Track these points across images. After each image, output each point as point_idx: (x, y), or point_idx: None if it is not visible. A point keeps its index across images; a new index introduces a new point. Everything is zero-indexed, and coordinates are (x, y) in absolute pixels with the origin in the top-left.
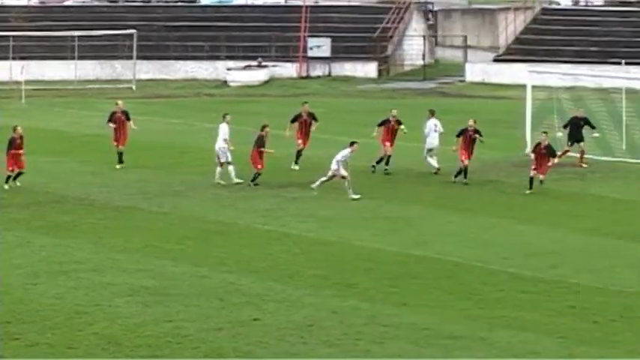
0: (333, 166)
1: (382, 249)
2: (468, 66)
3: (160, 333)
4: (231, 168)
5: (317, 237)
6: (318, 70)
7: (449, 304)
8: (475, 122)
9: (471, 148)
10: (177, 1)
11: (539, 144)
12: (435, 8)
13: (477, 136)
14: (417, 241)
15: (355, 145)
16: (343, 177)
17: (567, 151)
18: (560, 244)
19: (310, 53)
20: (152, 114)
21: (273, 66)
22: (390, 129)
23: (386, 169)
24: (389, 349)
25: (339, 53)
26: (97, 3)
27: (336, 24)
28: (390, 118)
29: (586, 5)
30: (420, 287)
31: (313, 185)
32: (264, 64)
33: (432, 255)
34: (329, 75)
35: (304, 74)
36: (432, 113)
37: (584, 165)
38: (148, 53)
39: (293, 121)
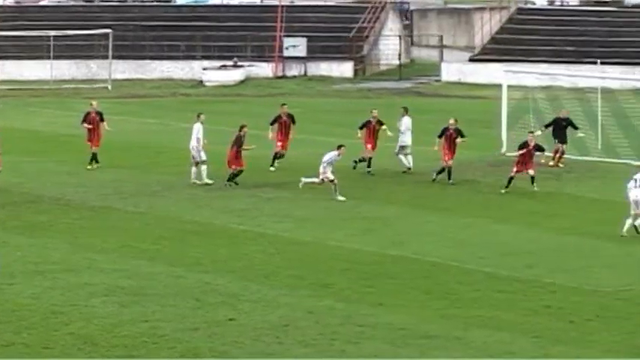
0: (321, 169)
1: (358, 249)
2: (443, 66)
3: (136, 333)
4: (203, 167)
5: (293, 237)
6: (294, 69)
7: (425, 304)
8: (456, 121)
9: (453, 147)
10: (152, 1)
11: (526, 143)
12: (411, 8)
13: (458, 137)
14: (393, 241)
15: (342, 149)
16: (331, 180)
17: (558, 150)
18: (536, 244)
19: (286, 53)
20: (128, 114)
21: (249, 66)
22: (372, 130)
23: (369, 171)
24: (365, 349)
25: (315, 53)
26: (72, 3)
27: (311, 24)
28: (371, 119)
29: (561, 5)
30: (396, 287)
31: (302, 180)
32: (239, 63)
33: (409, 255)
34: (305, 75)
35: (280, 74)
36: (406, 110)
37: (560, 165)
38: (123, 53)
39: (272, 123)
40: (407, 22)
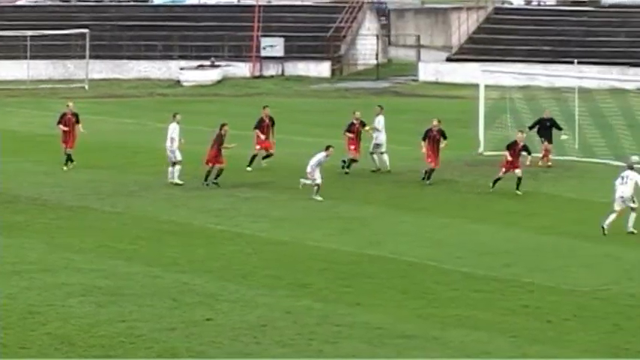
0: (308, 169)
1: (336, 249)
2: (421, 65)
3: (113, 333)
4: (177, 168)
5: (270, 237)
6: (272, 69)
7: (402, 304)
8: (439, 122)
9: (437, 149)
10: (129, 1)
11: (515, 142)
12: (389, 8)
13: (442, 138)
14: (370, 240)
15: (331, 149)
16: (315, 182)
17: (546, 150)
18: (514, 244)
19: (263, 53)
20: (105, 114)
21: (226, 65)
22: (355, 131)
23: (343, 166)
24: (342, 348)
25: (293, 53)
26: (49, 3)
27: (289, 24)
28: (354, 121)
29: (538, 5)
30: (373, 287)
31: (301, 181)
32: (217, 63)
33: (386, 255)
34: (282, 75)
35: (257, 74)
36: (381, 109)
37: (548, 163)
38: (100, 53)
39: (257, 126)
40: (384, 22)
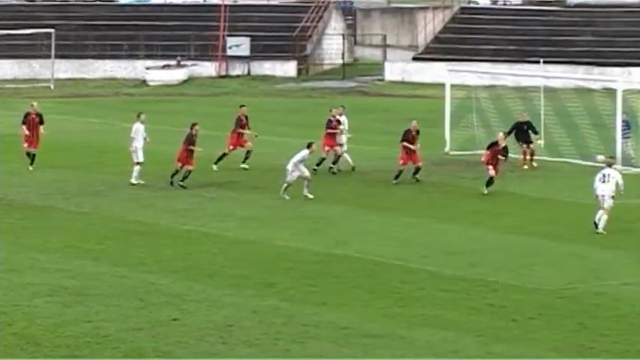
0: (289, 167)
1: (302, 248)
2: (387, 65)
3: (79, 333)
4: (135, 168)
5: (236, 236)
6: (238, 69)
7: (369, 303)
8: (417, 123)
9: (412, 150)
10: (95, 1)
11: (496, 143)
12: (355, 7)
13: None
14: (337, 240)
15: (313, 146)
16: (289, 184)
17: (526, 152)
18: (480, 243)
19: (229, 52)
20: (71, 113)
21: (192, 65)
22: (333, 128)
23: (315, 169)
24: (309, 348)
25: (259, 52)
26: (14, 2)
27: (255, 23)
28: (331, 118)
29: (504, 4)
30: (339, 286)
31: (281, 193)
32: (183, 63)
33: (352, 254)
34: (248, 74)
35: (223, 73)
36: (344, 109)
37: (534, 164)
38: (66, 52)
39: (236, 126)
40: (350, 22)
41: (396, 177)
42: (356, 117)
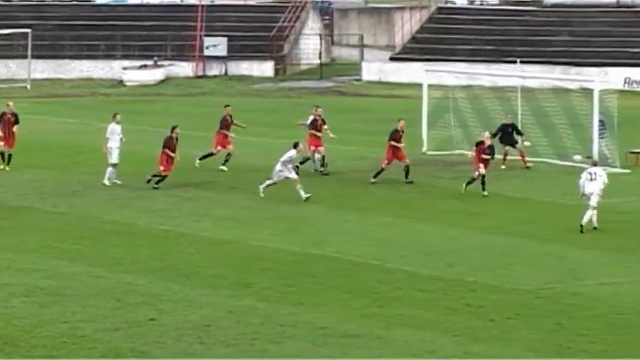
0: (278, 167)
1: (279, 248)
2: (364, 65)
3: (56, 333)
4: (108, 170)
5: (213, 237)
6: (215, 69)
7: (346, 303)
8: (404, 123)
9: (397, 150)
10: (72, 1)
11: (482, 142)
12: (332, 7)
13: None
14: (314, 240)
15: (300, 146)
16: (290, 179)
17: (507, 153)
18: (458, 243)
19: (206, 52)
20: (47, 113)
21: (170, 65)
22: (318, 127)
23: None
24: (286, 348)
25: (236, 52)
26: None
27: (232, 23)
28: (316, 117)
29: (481, 4)
30: (317, 286)
31: (261, 188)
32: (160, 63)
33: (330, 254)
34: (225, 74)
35: (200, 73)
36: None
37: (529, 165)
38: (42, 52)
39: (222, 126)
40: (327, 22)
41: (376, 175)
42: (333, 117)
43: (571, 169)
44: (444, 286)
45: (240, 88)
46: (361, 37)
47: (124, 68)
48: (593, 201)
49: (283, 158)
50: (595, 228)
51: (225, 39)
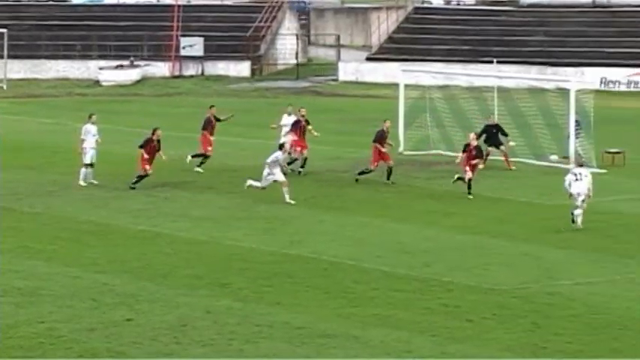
0: (265, 171)
1: (256, 248)
2: (340, 65)
3: (32, 334)
4: (82, 170)
5: (190, 237)
6: (191, 69)
7: (323, 303)
8: (390, 123)
9: (382, 151)
10: (48, 1)
11: (468, 145)
12: (309, 7)
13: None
14: (291, 240)
15: (286, 146)
16: (278, 181)
17: (489, 154)
18: (434, 243)
19: (183, 52)
20: (23, 114)
21: (146, 65)
22: (301, 129)
23: (292, 169)
24: (262, 348)
25: (212, 52)
26: None
27: (208, 23)
28: (300, 118)
29: (458, 4)
30: (293, 286)
31: (247, 182)
32: (136, 63)
33: (306, 254)
34: (202, 74)
35: (177, 73)
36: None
37: (512, 167)
38: (18, 52)
39: (205, 127)
40: (304, 22)
41: (361, 173)
42: (310, 117)
43: (548, 169)
44: (421, 286)
45: (216, 88)
46: (338, 37)
47: (100, 68)
48: (579, 201)
49: (269, 160)
50: (577, 229)
51: (201, 39)
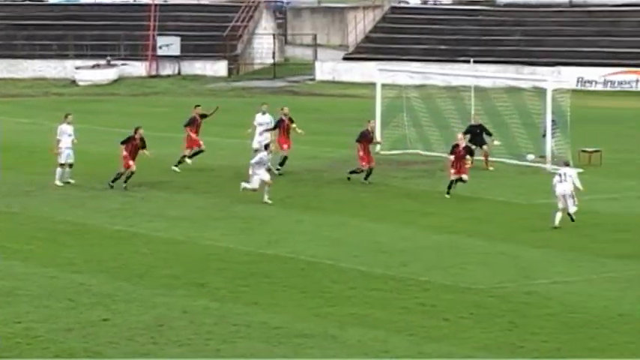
0: (250, 171)
1: (233, 248)
2: (317, 64)
3: (9, 334)
4: (58, 170)
5: (167, 236)
6: (168, 68)
7: (300, 303)
8: (375, 123)
9: (369, 148)
10: (24, 0)
11: (457, 145)
12: (285, 7)
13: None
14: (268, 240)
15: (271, 146)
16: (263, 180)
17: (484, 154)
18: (411, 242)
19: (160, 52)
20: (0, 114)
21: (123, 65)
22: (285, 128)
23: (278, 169)
24: (239, 348)
25: (189, 52)
26: None
27: (185, 22)
28: (283, 117)
29: (435, 4)
30: (271, 286)
31: (242, 185)
32: (113, 62)
33: (284, 254)
34: (179, 74)
35: (154, 73)
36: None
37: (490, 168)
38: None
39: (188, 124)
40: (281, 21)
41: (352, 172)
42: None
43: (524, 168)
44: (398, 286)
45: (193, 88)
46: (315, 37)
47: (77, 68)
48: (562, 202)
49: (253, 161)
50: (556, 227)
51: (178, 38)
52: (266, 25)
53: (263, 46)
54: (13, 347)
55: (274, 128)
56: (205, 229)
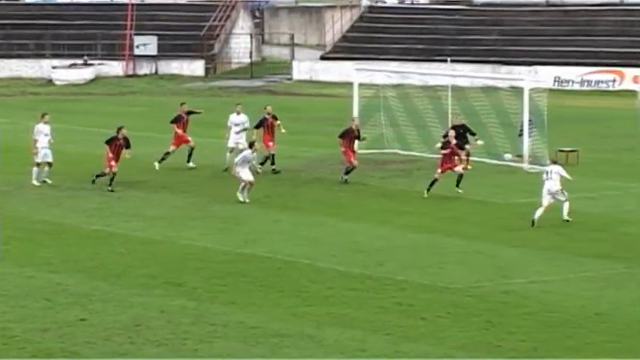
0: (235, 169)
1: (211, 248)
2: (295, 64)
3: None
4: (34, 170)
5: (144, 236)
6: (145, 68)
7: (277, 302)
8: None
9: (353, 146)
10: None
11: (448, 142)
12: (263, 6)
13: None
14: (246, 239)
15: (256, 145)
16: (245, 180)
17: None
18: (388, 242)
19: (137, 51)
20: None
21: (100, 64)
22: (269, 126)
23: (274, 169)
24: (217, 348)
25: (166, 51)
26: None
27: (162, 22)
28: (266, 116)
29: (412, 3)
30: (248, 286)
31: (241, 198)
32: (90, 62)
33: (261, 253)
34: (156, 73)
35: (131, 72)
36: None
37: (469, 167)
38: None
39: (175, 121)
40: (258, 21)
41: (347, 173)
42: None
43: (501, 167)
44: (375, 285)
45: (170, 87)
46: (292, 36)
47: (54, 67)
48: (546, 200)
49: (238, 159)
50: (533, 224)
51: (155, 38)
52: (243, 24)
53: (240, 46)
54: None
55: (257, 127)
56: (183, 228)
